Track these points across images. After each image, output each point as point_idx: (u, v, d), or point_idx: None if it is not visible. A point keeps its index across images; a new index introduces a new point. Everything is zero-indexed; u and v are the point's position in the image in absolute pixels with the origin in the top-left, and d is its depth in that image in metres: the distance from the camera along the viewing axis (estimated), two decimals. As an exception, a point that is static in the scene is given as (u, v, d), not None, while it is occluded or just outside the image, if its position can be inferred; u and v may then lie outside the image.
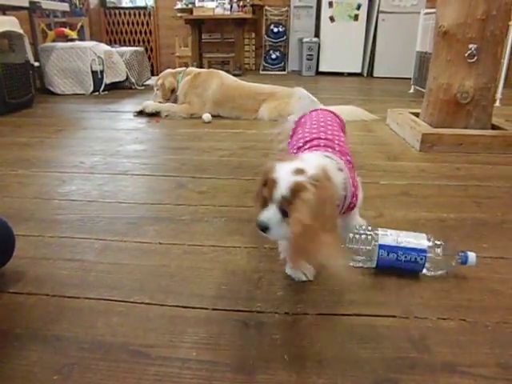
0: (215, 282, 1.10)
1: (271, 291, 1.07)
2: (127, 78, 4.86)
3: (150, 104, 3.41)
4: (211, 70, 3.66)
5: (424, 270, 1.13)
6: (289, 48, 6.93)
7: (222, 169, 2.01)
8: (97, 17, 7.22)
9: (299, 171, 0.92)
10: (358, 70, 6.55)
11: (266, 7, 6.84)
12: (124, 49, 5.12)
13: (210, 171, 1.96)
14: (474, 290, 1.08)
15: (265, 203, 0.95)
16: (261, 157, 2.21)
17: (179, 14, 6.36)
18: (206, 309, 1.00)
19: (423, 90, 3.01)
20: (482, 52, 2.29)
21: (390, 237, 1.14)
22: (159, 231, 1.38)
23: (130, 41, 7.43)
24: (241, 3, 6.22)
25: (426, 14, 4.39)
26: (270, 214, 0.92)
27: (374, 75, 6.44)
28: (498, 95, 3.75)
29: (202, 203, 1.59)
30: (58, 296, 1.05)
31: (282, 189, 0.90)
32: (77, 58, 4.43)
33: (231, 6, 6.12)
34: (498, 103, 3.71)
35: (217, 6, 6.08)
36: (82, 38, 5.40)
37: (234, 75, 3.72)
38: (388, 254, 1.12)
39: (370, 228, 1.19)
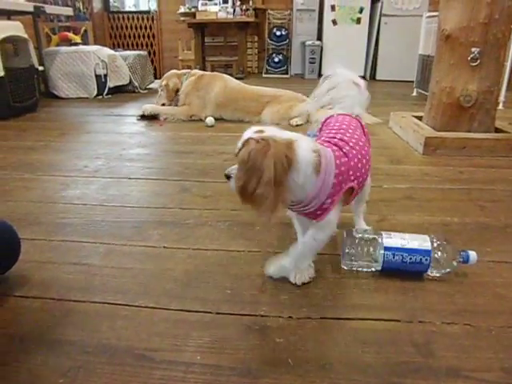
0: (219, 286, 1.11)
1: (275, 295, 1.07)
2: (130, 81, 4.88)
3: (149, 106, 3.42)
4: (215, 73, 3.66)
5: (428, 271, 1.13)
6: (291, 51, 6.94)
7: (226, 173, 2.02)
8: (100, 21, 7.26)
9: (259, 131, 0.97)
10: (361, 73, 6.55)
11: (269, 11, 6.86)
12: (127, 53, 5.15)
13: (214, 175, 1.97)
14: (478, 295, 1.08)
15: None
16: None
17: (182, 18, 6.38)
18: (210, 313, 1.01)
19: (426, 93, 3.01)
20: (484, 55, 2.29)
21: (394, 239, 1.15)
22: (163, 235, 1.39)
23: (133, 45, 7.47)
24: (243, 7, 6.24)
25: (429, 17, 4.40)
26: (234, 166, 1.02)
27: (377, 78, 6.45)
28: (501, 98, 3.74)
29: (206, 207, 1.59)
30: (63, 300, 1.06)
31: (239, 143, 0.99)
32: (81, 62, 4.45)
33: (234, 10, 6.15)
34: (501, 106, 3.71)
35: (220, 10, 6.10)
36: (85, 42, 5.43)
37: (237, 78, 3.73)
38: (394, 256, 1.12)
39: (373, 232, 1.20)
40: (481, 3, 2.20)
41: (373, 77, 6.54)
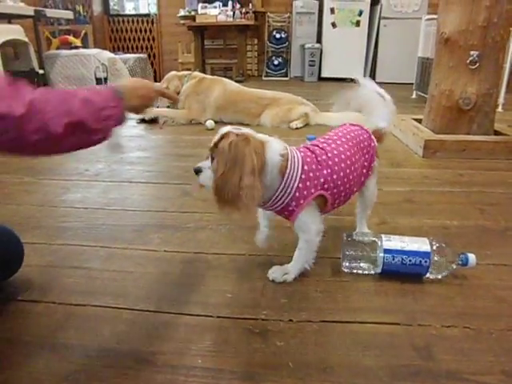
0: (220, 290, 1.11)
1: (275, 299, 1.08)
2: (130, 84, 4.89)
3: (149, 110, 3.40)
4: (215, 77, 3.66)
5: (428, 273, 1.14)
6: (291, 54, 6.95)
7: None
8: (100, 24, 7.27)
9: (236, 128, 1.02)
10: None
11: (269, 14, 6.88)
12: (127, 56, 5.16)
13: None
14: (478, 297, 1.09)
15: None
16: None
17: (182, 22, 6.40)
18: (211, 316, 1.01)
19: (425, 95, 3.01)
20: (483, 58, 2.30)
21: (393, 242, 1.15)
22: (164, 239, 1.40)
23: (133, 48, 7.48)
24: (243, 10, 6.26)
25: (428, 19, 4.41)
26: (205, 161, 1.05)
27: (377, 81, 6.36)
28: (501, 100, 3.75)
29: (207, 211, 1.60)
30: (64, 304, 1.06)
31: (215, 137, 1.02)
32: (81, 65, 4.47)
33: (234, 13, 6.16)
34: (500, 108, 3.72)
35: (219, 13, 6.11)
36: (85, 45, 5.45)
37: (237, 81, 3.74)
38: (393, 259, 1.13)
39: (373, 235, 1.20)
40: (479, 7, 2.21)
41: (372, 79, 6.53)
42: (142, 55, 5.42)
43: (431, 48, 3.82)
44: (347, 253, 1.17)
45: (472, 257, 1.13)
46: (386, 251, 1.13)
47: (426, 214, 1.58)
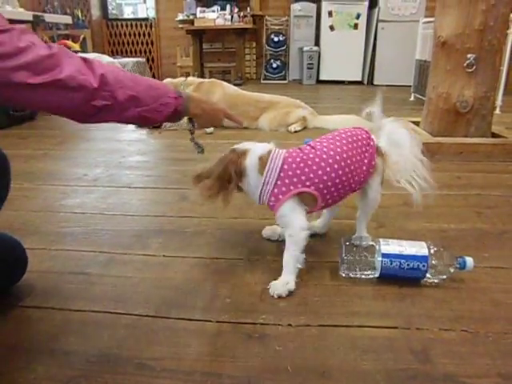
0: (219, 295, 1.12)
1: (274, 303, 1.08)
2: (129, 88, 4.90)
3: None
4: (213, 79, 3.65)
5: (425, 277, 1.15)
6: (289, 57, 6.97)
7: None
8: (99, 28, 7.29)
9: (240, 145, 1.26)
10: (359, 78, 6.59)
11: (267, 17, 6.90)
12: (126, 60, 5.18)
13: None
14: (475, 300, 1.09)
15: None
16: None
17: (180, 25, 6.42)
18: (210, 321, 1.02)
19: (423, 98, 3.03)
20: (480, 61, 2.32)
21: (391, 246, 1.16)
22: (163, 244, 1.40)
23: (131, 51, 7.50)
24: (241, 14, 6.28)
25: (425, 22, 4.43)
26: None
27: (375, 83, 6.47)
28: (498, 102, 3.77)
29: (205, 215, 1.60)
30: (64, 309, 1.07)
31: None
32: (79, 69, 4.47)
33: (232, 17, 6.18)
34: (497, 110, 3.73)
35: (218, 17, 6.13)
36: (84, 49, 5.45)
37: (235, 85, 3.74)
38: (391, 263, 1.14)
39: (371, 239, 1.21)
40: (476, 10, 2.23)
41: (370, 82, 6.57)
42: (140, 59, 5.44)
43: (428, 51, 3.83)
44: (345, 257, 1.17)
45: (469, 260, 1.14)
46: (384, 255, 1.14)
47: (423, 218, 1.58)
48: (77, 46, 5.27)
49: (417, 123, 2.77)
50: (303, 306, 1.07)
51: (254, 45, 7.24)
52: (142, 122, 1.03)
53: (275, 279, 1.15)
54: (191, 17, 6.27)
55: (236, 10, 6.34)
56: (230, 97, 3.39)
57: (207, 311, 1.05)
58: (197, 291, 1.14)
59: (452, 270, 1.14)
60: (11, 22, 0.87)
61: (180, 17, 6.39)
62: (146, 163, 2.37)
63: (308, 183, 1.14)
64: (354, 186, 1.23)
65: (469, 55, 2.31)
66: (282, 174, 1.15)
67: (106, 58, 4.70)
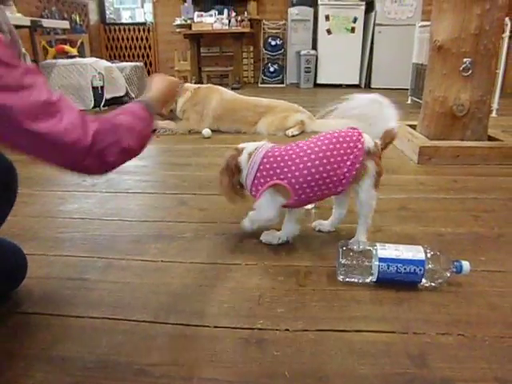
0: (217, 300, 1.12)
1: (272, 308, 1.09)
2: (127, 93, 4.91)
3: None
4: (209, 85, 3.65)
5: (422, 281, 1.15)
6: (287, 61, 6.99)
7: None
8: (96, 33, 7.31)
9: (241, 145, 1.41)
10: (356, 82, 6.61)
11: (264, 21, 6.93)
12: (124, 64, 5.18)
13: (211, 188, 1.98)
14: (472, 304, 1.10)
15: None
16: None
17: (178, 30, 6.43)
18: (208, 326, 1.02)
19: (420, 101, 3.04)
20: (476, 65, 2.33)
21: (388, 250, 1.17)
22: (161, 249, 1.40)
23: (129, 56, 7.51)
24: (239, 18, 6.30)
25: (422, 26, 4.45)
26: None
27: (372, 86, 6.49)
28: (495, 105, 3.79)
29: (204, 220, 1.61)
30: (62, 315, 1.07)
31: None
32: (77, 74, 4.48)
33: (229, 21, 6.20)
34: (494, 113, 3.75)
35: (215, 21, 6.15)
36: (82, 54, 5.46)
37: (233, 89, 3.75)
38: (388, 267, 1.14)
39: (368, 243, 1.22)
40: (471, 15, 2.24)
41: (368, 85, 6.59)
42: (138, 63, 5.44)
43: (425, 54, 3.85)
44: (342, 262, 1.18)
45: (466, 264, 1.15)
46: (381, 260, 1.15)
47: (420, 222, 1.59)
48: (74, 51, 5.27)
49: (413, 126, 2.78)
50: (301, 310, 1.08)
51: (252, 49, 7.26)
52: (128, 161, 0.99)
53: (272, 285, 1.16)
54: (189, 21, 6.29)
55: (233, 14, 6.36)
56: (228, 102, 3.39)
57: (205, 316, 1.06)
58: (195, 296, 1.14)
59: (449, 274, 1.15)
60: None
61: (178, 21, 6.41)
62: (144, 168, 2.37)
63: (282, 177, 1.27)
64: (333, 186, 1.28)
65: (465, 59, 2.32)
66: (261, 167, 1.30)
67: (103, 63, 4.71)
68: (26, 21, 4.07)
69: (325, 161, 1.26)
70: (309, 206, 1.72)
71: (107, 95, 4.58)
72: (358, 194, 1.34)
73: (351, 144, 1.27)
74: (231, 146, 1.41)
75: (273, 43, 6.87)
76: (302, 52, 6.43)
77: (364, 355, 0.92)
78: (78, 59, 4.80)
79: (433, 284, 1.16)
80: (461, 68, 2.34)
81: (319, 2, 6.31)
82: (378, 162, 1.31)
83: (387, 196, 1.85)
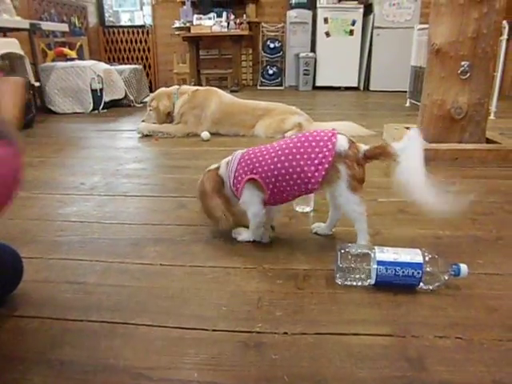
0: (215, 303, 1.12)
1: (270, 311, 1.09)
2: (126, 95, 4.92)
3: (145, 127, 3.35)
4: (208, 87, 3.64)
5: (420, 284, 1.15)
6: (285, 63, 7.01)
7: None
8: (95, 35, 7.31)
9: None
10: (355, 84, 6.63)
11: (263, 24, 6.95)
12: (123, 67, 5.20)
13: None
14: (470, 307, 1.10)
15: None
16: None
17: (177, 32, 6.45)
18: (207, 330, 1.02)
19: (419, 103, 3.05)
20: (474, 69, 2.34)
21: (386, 253, 1.17)
22: (160, 252, 1.41)
23: (128, 58, 7.52)
24: (237, 21, 6.31)
25: (420, 29, 4.47)
26: None
27: (371, 89, 6.51)
28: (493, 108, 3.80)
29: (202, 223, 1.61)
30: (60, 319, 1.07)
31: None
32: (77, 77, 4.49)
33: (228, 24, 6.21)
34: (492, 116, 3.76)
35: (214, 24, 6.16)
36: (81, 57, 5.46)
37: (232, 91, 3.76)
38: (386, 270, 1.14)
39: (367, 246, 1.22)
40: (469, 18, 2.25)
41: (366, 87, 6.61)
42: (137, 66, 5.46)
43: (423, 57, 3.86)
44: (341, 265, 1.18)
45: (464, 267, 1.15)
46: (379, 263, 1.15)
47: (419, 225, 1.59)
48: (73, 54, 5.28)
49: (412, 129, 2.79)
50: (299, 314, 1.08)
51: (251, 51, 7.28)
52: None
53: (271, 289, 1.16)
54: (188, 24, 6.30)
55: (232, 17, 6.37)
56: (226, 105, 3.39)
57: (203, 320, 1.06)
58: (193, 300, 1.14)
59: (447, 277, 1.15)
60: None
61: (176, 24, 6.42)
62: (142, 171, 2.38)
63: (255, 171, 1.36)
64: (301, 183, 1.31)
65: (463, 62, 2.33)
66: (238, 167, 1.40)
67: (102, 66, 4.72)
68: (25, 23, 4.08)
69: (290, 157, 1.31)
70: (307, 209, 1.73)
71: (106, 98, 4.60)
72: (336, 197, 1.35)
73: (321, 143, 1.29)
74: (230, 148, 1.42)
75: (271, 46, 6.89)
76: (301, 54, 6.45)
77: (362, 358, 0.92)
78: (77, 62, 4.82)
79: (431, 287, 1.16)
80: (459, 71, 2.35)
81: (318, 5, 6.34)
82: (351, 165, 1.28)
83: (385, 199, 1.86)
